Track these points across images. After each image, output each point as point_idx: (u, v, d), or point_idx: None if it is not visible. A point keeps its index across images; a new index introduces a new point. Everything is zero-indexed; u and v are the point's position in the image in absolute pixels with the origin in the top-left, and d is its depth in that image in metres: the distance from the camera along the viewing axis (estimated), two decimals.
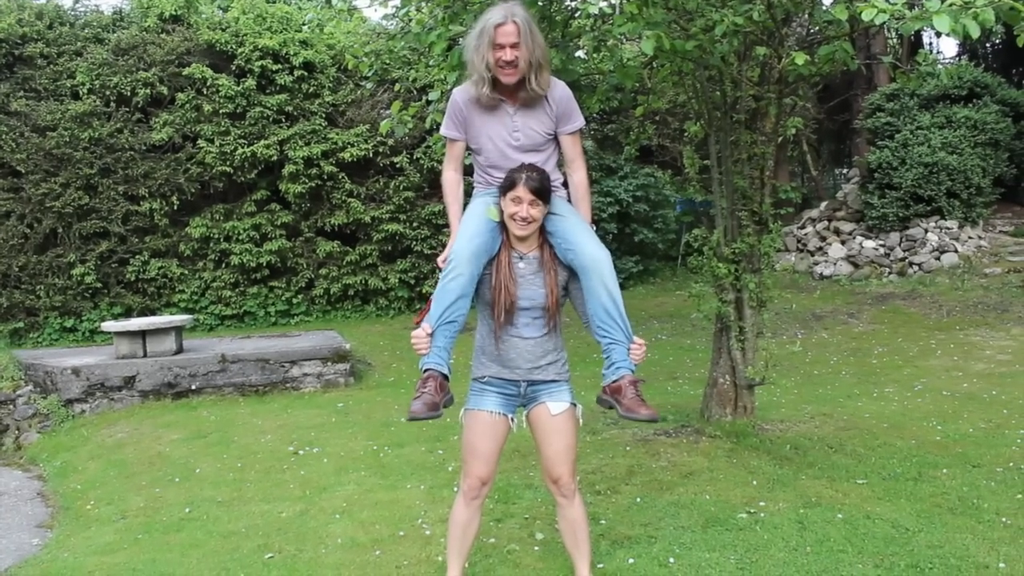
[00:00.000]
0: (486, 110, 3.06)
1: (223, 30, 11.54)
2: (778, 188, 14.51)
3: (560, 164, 3.22)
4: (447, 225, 3.27)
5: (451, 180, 3.21)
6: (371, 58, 5.67)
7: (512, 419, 3.13)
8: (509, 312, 3.00)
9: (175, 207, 11.31)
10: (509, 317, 3.01)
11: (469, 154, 3.23)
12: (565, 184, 3.22)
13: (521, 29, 2.92)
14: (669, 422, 5.92)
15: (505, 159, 3.06)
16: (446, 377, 2.92)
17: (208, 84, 11.26)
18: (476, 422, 3.10)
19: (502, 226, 3.02)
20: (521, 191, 2.91)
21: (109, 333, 8.36)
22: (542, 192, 2.93)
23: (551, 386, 3.09)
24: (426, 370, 2.91)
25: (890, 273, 12.63)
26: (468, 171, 3.22)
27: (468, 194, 3.21)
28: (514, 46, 2.91)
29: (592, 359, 2.99)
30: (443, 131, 3.19)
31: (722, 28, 4.13)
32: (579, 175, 3.19)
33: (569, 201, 3.19)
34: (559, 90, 3.09)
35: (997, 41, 19.74)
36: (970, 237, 12.93)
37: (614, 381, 2.94)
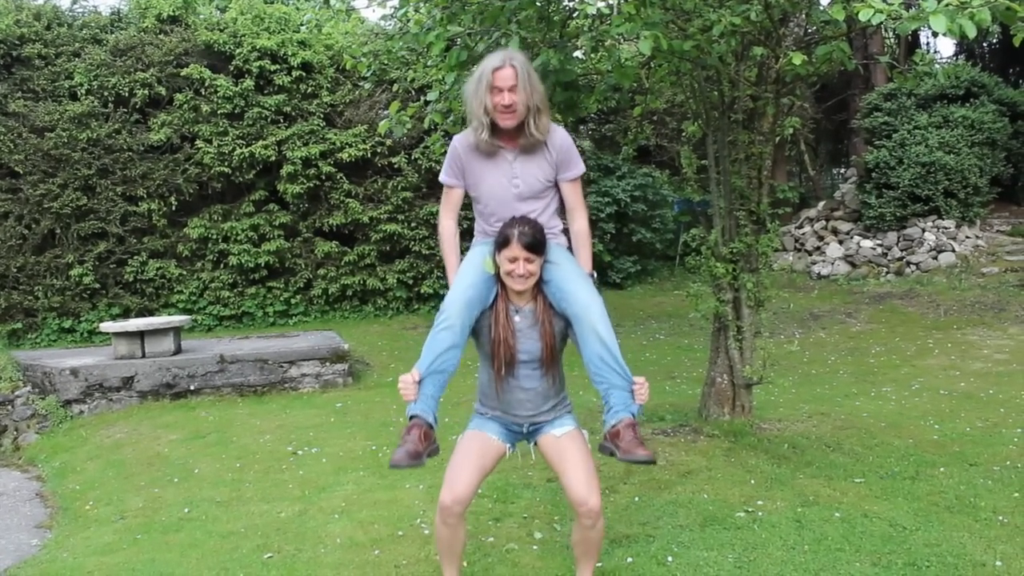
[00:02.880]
0: (485, 157, 3.06)
1: (221, 31, 11.54)
2: (776, 188, 14.57)
3: (560, 211, 3.21)
4: None
5: (448, 230, 3.22)
6: (369, 58, 5.67)
7: (511, 448, 3.16)
8: (509, 365, 3.02)
9: (173, 208, 11.31)
10: (510, 369, 3.03)
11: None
12: (565, 230, 3.20)
13: (519, 73, 2.93)
14: (667, 421, 5.93)
15: (505, 206, 3.06)
16: (431, 426, 2.90)
17: (206, 85, 11.26)
18: (472, 439, 3.13)
19: (499, 277, 3.01)
20: (515, 249, 2.89)
21: (107, 334, 8.36)
22: (536, 247, 2.91)
23: (553, 420, 3.14)
24: (412, 417, 2.89)
25: (887, 273, 12.66)
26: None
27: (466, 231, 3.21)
28: (512, 89, 2.92)
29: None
30: (442, 178, 3.18)
31: (720, 28, 4.15)
32: (580, 223, 3.19)
33: (570, 247, 3.18)
34: (559, 137, 3.09)
35: (994, 41, 19.79)
36: (967, 236, 12.96)
37: (613, 426, 2.92)
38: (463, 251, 3.21)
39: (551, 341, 3.02)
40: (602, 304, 2.97)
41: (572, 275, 3.01)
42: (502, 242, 2.93)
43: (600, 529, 3.10)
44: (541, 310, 3.02)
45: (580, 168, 3.16)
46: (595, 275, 3.18)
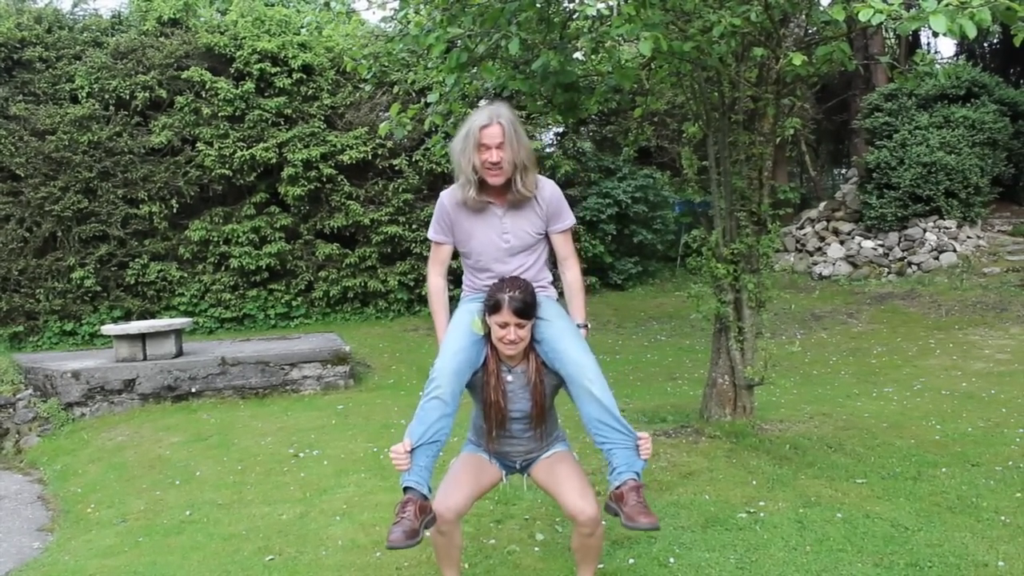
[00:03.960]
0: (474, 213, 3.06)
1: (222, 33, 11.55)
2: (777, 188, 14.55)
3: (552, 261, 3.21)
4: None
5: (436, 288, 3.21)
6: (370, 60, 5.67)
7: (505, 477, 3.19)
8: (500, 423, 3.03)
9: (174, 210, 11.31)
10: (501, 426, 3.04)
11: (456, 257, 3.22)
12: (555, 282, 3.21)
13: (506, 130, 2.94)
14: (669, 422, 5.93)
15: (495, 262, 3.07)
16: (426, 497, 2.88)
17: (207, 87, 11.26)
18: (470, 460, 3.16)
19: (488, 337, 3.00)
20: (506, 315, 2.87)
21: (109, 336, 8.36)
22: (527, 311, 2.90)
23: (545, 449, 3.17)
24: (406, 489, 2.86)
25: (889, 273, 12.65)
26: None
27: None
28: (499, 147, 2.92)
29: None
30: (430, 234, 3.18)
31: (720, 29, 4.15)
32: (572, 273, 3.19)
33: (561, 295, 3.19)
34: (548, 190, 3.10)
35: (995, 41, 19.77)
36: (968, 236, 12.95)
37: (617, 488, 2.89)
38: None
39: (541, 400, 3.02)
40: (595, 362, 2.95)
41: (564, 333, 2.99)
42: (492, 306, 2.91)
43: (599, 535, 3.11)
44: (533, 370, 3.00)
45: (571, 220, 3.17)
46: (589, 326, 3.18)
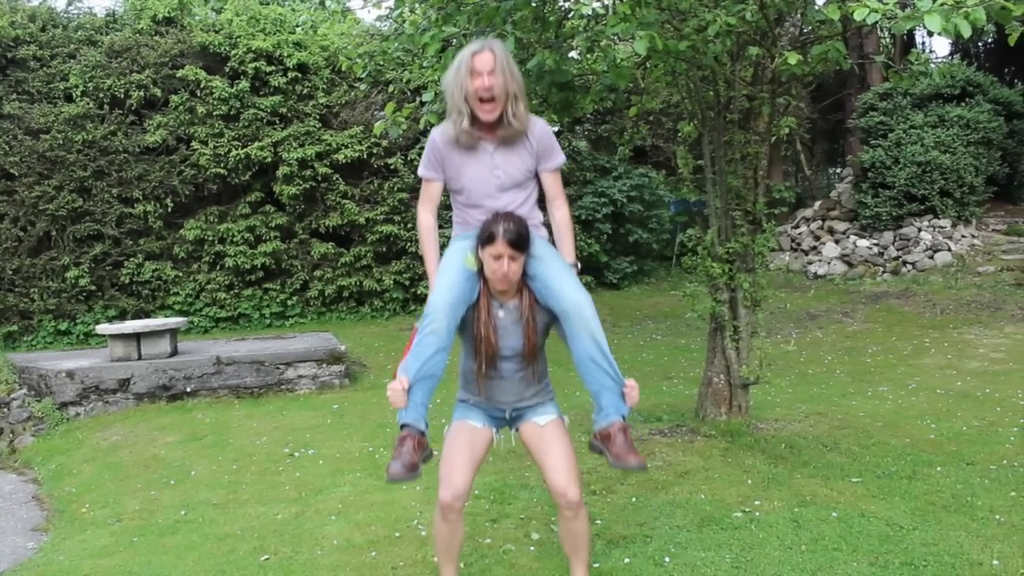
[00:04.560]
0: (465, 150, 3.05)
1: (216, 32, 11.52)
2: (772, 188, 14.56)
3: (541, 201, 3.21)
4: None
5: (427, 225, 3.18)
6: (365, 59, 5.66)
7: (497, 433, 3.16)
8: (491, 360, 3.01)
9: (169, 209, 11.28)
10: (491, 363, 3.02)
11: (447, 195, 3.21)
12: (546, 223, 3.20)
13: (498, 57, 2.94)
14: (664, 422, 5.93)
15: (486, 197, 3.05)
16: (423, 433, 2.91)
17: (202, 86, 11.23)
18: (460, 431, 3.13)
19: (481, 272, 3.00)
20: (500, 246, 2.87)
21: (103, 336, 8.33)
22: (521, 243, 2.90)
23: (536, 407, 3.13)
24: (403, 426, 2.89)
25: (884, 272, 12.67)
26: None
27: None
28: (491, 73, 2.92)
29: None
30: (421, 171, 3.16)
31: (715, 28, 4.15)
32: (561, 212, 3.18)
33: (551, 237, 3.18)
34: (539, 127, 3.10)
35: (989, 40, 19.83)
36: (963, 236, 12.98)
37: (604, 428, 2.92)
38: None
39: (534, 337, 3.01)
40: (591, 300, 2.96)
41: (558, 271, 3.00)
42: (486, 239, 2.91)
43: (583, 520, 3.12)
44: (526, 306, 3.01)
45: (560, 158, 3.16)
46: (579, 265, 3.17)
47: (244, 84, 11.30)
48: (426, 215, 3.19)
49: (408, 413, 2.90)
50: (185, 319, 9.64)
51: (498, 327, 3.00)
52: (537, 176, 3.15)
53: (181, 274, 11.43)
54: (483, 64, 2.93)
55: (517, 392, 3.09)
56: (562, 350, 3.13)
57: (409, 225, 11.98)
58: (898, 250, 12.92)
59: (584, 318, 2.91)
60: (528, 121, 3.05)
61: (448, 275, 2.98)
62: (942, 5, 3.02)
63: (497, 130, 3.02)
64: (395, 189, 11.89)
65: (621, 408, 2.94)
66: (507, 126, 2.99)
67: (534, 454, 3.14)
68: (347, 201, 11.78)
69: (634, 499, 4.41)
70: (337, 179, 11.77)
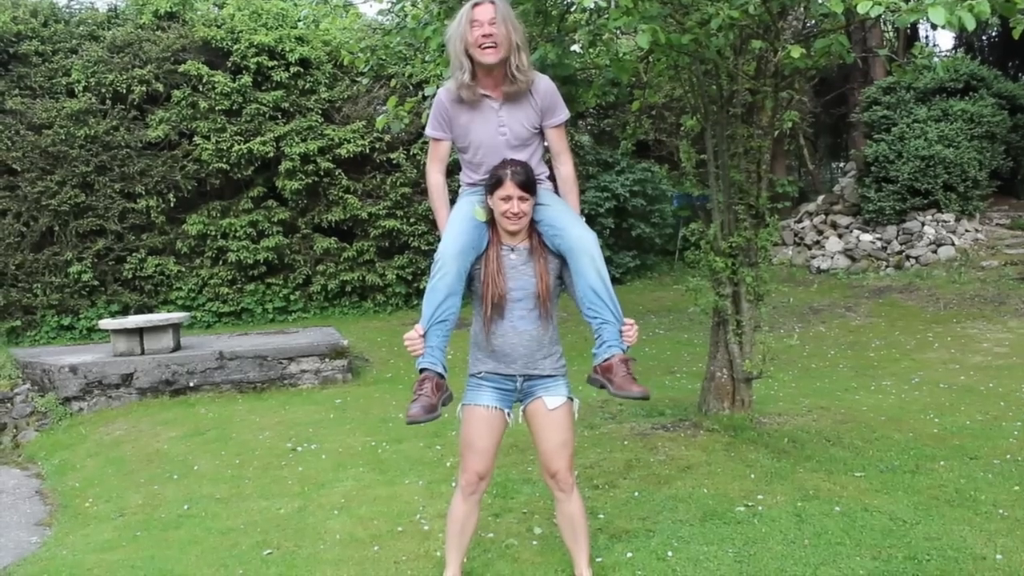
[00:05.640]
0: (471, 108, 3.06)
1: (219, 27, 11.51)
2: (775, 182, 14.54)
3: (546, 157, 3.23)
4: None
5: (437, 184, 3.20)
6: (367, 54, 5.65)
7: (509, 413, 3.14)
8: (498, 305, 3.01)
9: (172, 204, 11.29)
10: (498, 310, 3.01)
11: (455, 152, 3.22)
12: (551, 178, 3.22)
13: (499, 8, 2.95)
14: (667, 416, 5.93)
15: (493, 155, 3.06)
16: (442, 376, 2.93)
17: (204, 81, 11.22)
18: (473, 417, 3.11)
19: (490, 223, 3.03)
20: (509, 187, 2.92)
21: (106, 331, 8.34)
22: (529, 185, 2.95)
23: (547, 381, 3.10)
24: (422, 370, 2.91)
25: (887, 266, 12.65)
26: (455, 169, 3.21)
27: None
28: (491, 22, 2.92)
29: (591, 354, 3.00)
30: (428, 131, 3.17)
31: (718, 22, 4.13)
32: (566, 168, 3.19)
33: (556, 193, 3.20)
34: (543, 83, 3.11)
35: (993, 34, 19.76)
36: (967, 230, 12.95)
37: (605, 360, 2.92)
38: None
39: (546, 276, 3.02)
40: (596, 239, 3.00)
41: (564, 212, 3.05)
42: (494, 183, 2.95)
43: (577, 503, 3.15)
44: (537, 245, 3.04)
45: (565, 113, 3.17)
46: (584, 216, 3.19)
47: (246, 79, 11.29)
48: (435, 174, 3.21)
49: (425, 358, 2.92)
50: (188, 314, 9.65)
51: (508, 268, 3.02)
52: (541, 133, 3.16)
53: (184, 269, 11.45)
54: (484, 14, 2.94)
55: (527, 349, 3.05)
56: (570, 335, 3.12)
57: (412, 220, 11.98)
58: (901, 244, 12.89)
59: (590, 253, 2.94)
60: (532, 76, 3.06)
61: (456, 224, 3.02)
62: None
63: (501, 85, 3.02)
64: (398, 184, 11.89)
65: (621, 343, 2.95)
66: (512, 80, 2.99)
67: (533, 431, 3.15)
68: (349, 196, 11.78)
69: (637, 493, 4.41)
70: (339, 174, 11.77)
